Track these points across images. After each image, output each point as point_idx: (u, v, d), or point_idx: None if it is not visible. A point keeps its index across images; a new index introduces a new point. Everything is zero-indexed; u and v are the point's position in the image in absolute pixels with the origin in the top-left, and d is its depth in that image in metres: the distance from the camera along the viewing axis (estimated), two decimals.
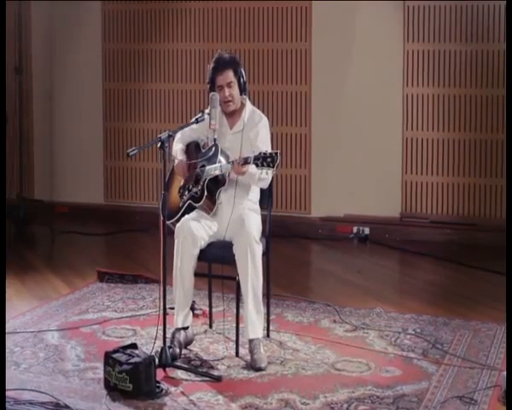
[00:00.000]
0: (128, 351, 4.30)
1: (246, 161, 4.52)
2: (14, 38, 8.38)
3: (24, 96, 8.57)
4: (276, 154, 4.41)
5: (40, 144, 9.07)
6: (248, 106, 4.98)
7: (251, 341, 4.67)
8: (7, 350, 4.79)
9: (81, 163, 8.95)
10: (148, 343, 4.82)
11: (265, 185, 4.90)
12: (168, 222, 4.81)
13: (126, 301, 5.85)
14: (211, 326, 5.26)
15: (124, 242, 7.89)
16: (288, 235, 7.77)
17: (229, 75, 4.82)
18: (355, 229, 7.86)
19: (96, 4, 8.75)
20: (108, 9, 8.74)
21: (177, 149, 4.97)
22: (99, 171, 8.91)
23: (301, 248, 7.66)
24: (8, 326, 5.21)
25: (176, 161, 4.92)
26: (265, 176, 4.63)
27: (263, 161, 4.43)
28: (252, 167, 4.61)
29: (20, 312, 5.57)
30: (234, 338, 4.83)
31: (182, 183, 4.98)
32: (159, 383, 4.28)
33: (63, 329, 5.22)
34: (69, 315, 5.52)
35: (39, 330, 5.18)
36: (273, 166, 4.41)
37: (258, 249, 4.63)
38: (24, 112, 8.60)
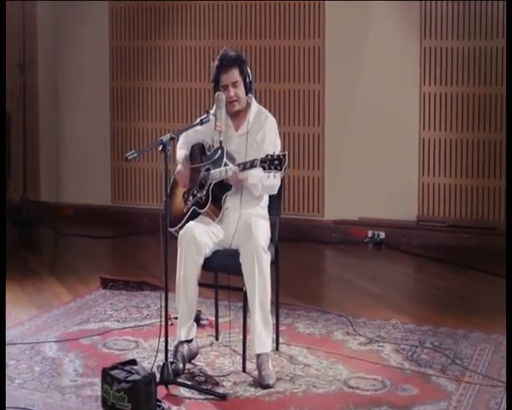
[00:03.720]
0: (127, 367, 4.04)
1: (252, 164, 4.26)
2: (19, 36, 8.14)
3: (29, 95, 8.35)
4: (284, 156, 4.16)
5: (46, 144, 8.85)
6: (254, 106, 4.72)
7: (258, 356, 4.40)
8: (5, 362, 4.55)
9: (88, 164, 8.72)
10: (151, 357, 4.58)
11: (274, 192, 4.63)
12: (172, 229, 4.56)
13: (130, 310, 5.59)
14: (217, 338, 4.99)
15: (130, 245, 7.65)
16: (299, 239, 7.49)
17: (235, 74, 4.56)
18: (370, 233, 7.58)
19: (103, 2, 8.50)
20: (115, 7, 8.50)
21: (181, 155, 4.70)
22: (106, 172, 8.68)
23: (313, 253, 7.38)
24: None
25: (176, 169, 4.65)
26: (272, 182, 4.39)
27: (270, 163, 4.18)
28: (252, 177, 4.38)
29: (18, 321, 5.33)
30: (241, 351, 4.56)
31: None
32: (159, 401, 4.02)
33: (62, 340, 4.97)
34: (69, 325, 5.27)
35: (37, 342, 4.93)
36: (281, 169, 4.16)
37: (266, 259, 4.36)
38: (29, 111, 8.38)
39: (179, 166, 4.67)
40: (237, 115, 4.67)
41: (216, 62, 4.61)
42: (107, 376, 4.00)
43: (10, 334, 5.04)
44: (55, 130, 8.82)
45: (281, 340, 4.87)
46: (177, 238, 4.54)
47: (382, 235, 7.54)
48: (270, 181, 4.44)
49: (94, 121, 8.66)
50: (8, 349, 4.77)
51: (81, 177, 8.73)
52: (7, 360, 4.61)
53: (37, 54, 8.70)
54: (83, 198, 8.65)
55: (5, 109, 7.88)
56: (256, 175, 4.42)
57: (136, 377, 3.94)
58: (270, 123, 4.67)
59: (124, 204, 8.64)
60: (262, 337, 4.39)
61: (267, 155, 4.21)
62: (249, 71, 4.63)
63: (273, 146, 4.57)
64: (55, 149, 8.83)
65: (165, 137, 4.18)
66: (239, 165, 4.38)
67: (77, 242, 7.68)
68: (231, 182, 4.46)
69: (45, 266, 6.80)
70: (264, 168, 4.20)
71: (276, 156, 4.18)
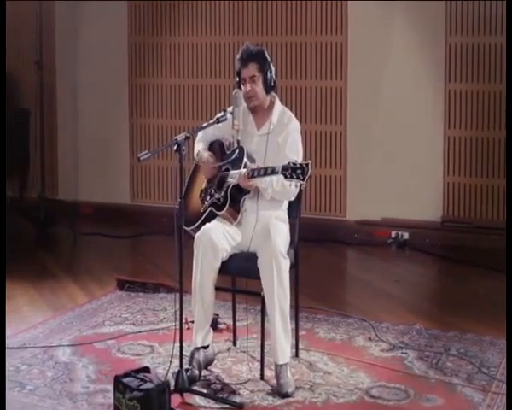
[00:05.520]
0: (140, 375, 3.89)
1: (273, 171, 4.09)
2: (36, 32, 8.02)
3: (46, 92, 8.25)
4: (307, 165, 3.96)
5: (64, 141, 8.77)
6: (278, 106, 4.55)
7: (278, 365, 4.24)
8: (12, 369, 4.45)
9: (106, 161, 8.61)
10: (166, 363, 4.42)
11: (290, 198, 4.47)
12: (188, 229, 4.42)
13: (146, 313, 5.45)
14: (234, 343, 4.84)
15: (149, 245, 7.52)
16: (321, 239, 7.34)
17: (253, 69, 4.41)
18: (393, 233, 7.40)
19: None
20: (134, 3, 8.37)
21: (200, 149, 4.55)
22: (125, 169, 8.56)
23: (335, 254, 7.21)
24: (18, 341, 4.87)
25: (203, 160, 4.49)
26: (286, 188, 4.27)
27: (292, 172, 3.99)
28: (262, 181, 4.24)
29: (31, 324, 5.20)
30: (259, 357, 4.41)
31: (204, 185, 4.57)
32: None
33: (75, 344, 4.83)
34: (83, 328, 5.14)
35: (50, 346, 4.80)
36: (303, 179, 3.97)
37: (285, 265, 4.19)
38: (46, 108, 8.28)
39: (205, 158, 4.48)
40: (259, 113, 4.52)
41: (238, 56, 4.48)
42: (119, 384, 3.86)
43: (23, 337, 4.93)
44: (73, 127, 8.72)
45: (300, 345, 4.71)
46: (193, 238, 4.40)
47: (406, 236, 7.36)
48: (280, 187, 4.30)
49: (112, 118, 8.55)
50: (21, 353, 4.68)
51: (99, 175, 8.62)
52: (19, 365, 4.50)
53: (54, 50, 8.65)
54: (101, 196, 8.54)
55: (5, 108, 7.77)
56: (264, 179, 4.27)
57: (149, 385, 3.80)
58: (294, 125, 4.50)
59: (143, 203, 8.52)
60: (283, 347, 4.24)
61: (289, 163, 4.02)
62: (272, 68, 4.46)
63: (295, 150, 4.41)
64: (73, 146, 8.73)
65: (180, 137, 4.03)
66: (259, 170, 4.21)
67: (94, 241, 7.57)
68: (240, 184, 4.30)
69: (61, 267, 6.68)
70: (285, 176, 4.01)
71: (298, 165, 3.99)
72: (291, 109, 4.69)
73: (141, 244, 7.59)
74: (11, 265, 6.10)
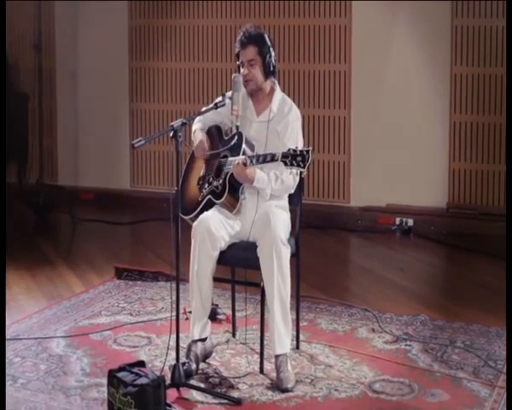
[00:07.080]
0: (135, 369, 3.76)
1: (273, 158, 3.96)
2: (35, 15, 7.88)
3: (45, 75, 8.14)
4: (308, 152, 3.85)
5: (63, 126, 8.65)
6: (278, 93, 4.41)
7: (277, 356, 4.11)
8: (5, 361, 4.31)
9: (106, 146, 8.49)
10: (163, 355, 4.27)
11: (290, 191, 4.34)
12: (185, 217, 4.29)
13: (144, 303, 5.32)
14: (234, 335, 4.71)
15: (149, 232, 7.37)
16: (323, 226, 7.23)
17: (252, 52, 4.27)
18: (398, 220, 7.28)
19: None
20: None
21: (197, 128, 4.42)
22: (125, 155, 8.43)
23: (338, 241, 7.08)
24: (11, 332, 4.74)
25: (196, 142, 4.36)
26: (289, 184, 4.19)
27: (292, 159, 3.87)
28: (260, 181, 4.14)
29: (26, 314, 5.08)
30: (258, 350, 4.27)
31: (202, 172, 4.43)
32: (169, 406, 3.76)
33: (70, 336, 4.71)
34: (79, 319, 5.01)
35: (44, 337, 4.68)
36: (303, 166, 3.85)
37: (286, 253, 4.06)
38: (45, 92, 8.16)
39: (199, 138, 4.35)
40: (259, 99, 4.39)
41: (237, 38, 4.35)
42: (113, 378, 3.72)
43: (17, 328, 4.81)
44: (72, 112, 8.59)
45: (301, 337, 4.58)
46: (190, 228, 4.27)
47: (411, 222, 7.24)
48: (279, 184, 4.20)
49: (113, 103, 8.43)
50: (14, 345, 4.56)
51: (99, 160, 8.51)
52: (12, 357, 4.38)
53: (54, 34, 8.53)
54: (101, 182, 8.45)
55: (5, 105, 7.66)
56: (263, 179, 4.17)
57: (144, 380, 3.67)
58: (294, 114, 4.36)
59: (143, 188, 8.40)
60: (282, 337, 4.10)
61: (289, 150, 3.91)
62: (272, 52, 4.32)
63: (294, 140, 4.27)
64: (72, 131, 8.62)
65: (177, 123, 3.89)
66: (258, 156, 4.08)
67: (94, 228, 7.45)
68: (236, 175, 4.15)
69: (59, 254, 6.57)
70: (285, 164, 3.90)
71: (299, 152, 3.88)
72: (294, 94, 4.58)
73: (141, 231, 7.46)
74: (8, 251, 5.97)
